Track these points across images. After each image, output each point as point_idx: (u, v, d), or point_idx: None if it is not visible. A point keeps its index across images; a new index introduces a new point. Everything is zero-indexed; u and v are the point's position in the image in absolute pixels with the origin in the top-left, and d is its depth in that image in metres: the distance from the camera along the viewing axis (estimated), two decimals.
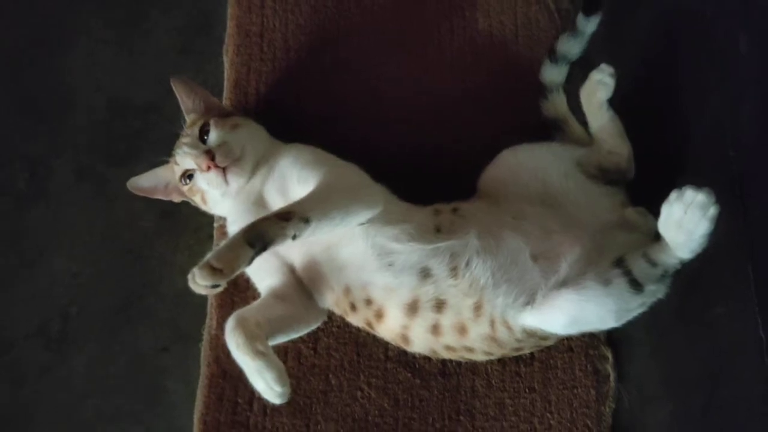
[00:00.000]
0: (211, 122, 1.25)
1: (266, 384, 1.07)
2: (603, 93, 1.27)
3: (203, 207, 1.30)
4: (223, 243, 1.06)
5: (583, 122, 1.36)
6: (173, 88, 1.32)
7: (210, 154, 1.20)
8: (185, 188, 1.26)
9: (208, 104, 1.32)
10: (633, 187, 1.31)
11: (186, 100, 1.32)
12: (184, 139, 1.25)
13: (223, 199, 1.25)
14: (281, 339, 1.21)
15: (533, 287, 1.13)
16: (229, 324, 1.11)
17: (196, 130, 1.25)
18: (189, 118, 1.30)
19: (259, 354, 1.07)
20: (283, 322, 1.19)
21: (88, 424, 1.32)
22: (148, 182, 1.32)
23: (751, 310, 1.35)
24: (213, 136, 1.23)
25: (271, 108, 1.39)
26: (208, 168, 1.20)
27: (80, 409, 1.33)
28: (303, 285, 1.24)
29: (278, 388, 1.07)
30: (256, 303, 1.21)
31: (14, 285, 1.39)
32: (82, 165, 1.45)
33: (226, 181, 1.21)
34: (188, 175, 1.25)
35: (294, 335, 1.24)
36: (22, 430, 1.33)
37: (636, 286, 1.10)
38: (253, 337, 1.08)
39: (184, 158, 1.23)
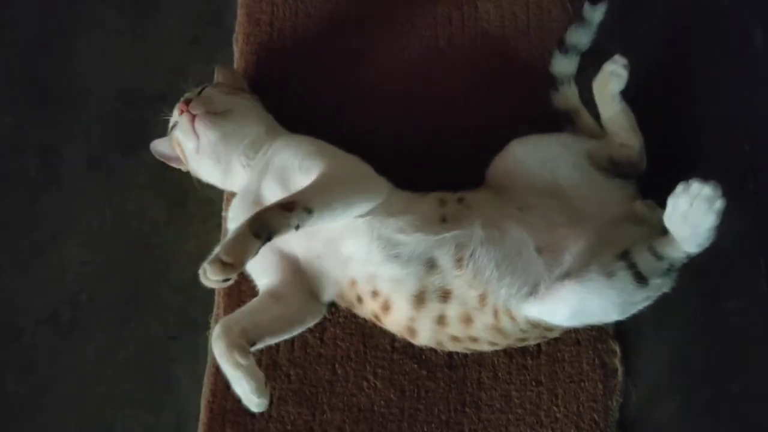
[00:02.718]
0: (213, 85, 1.29)
1: (244, 393, 1.10)
2: (616, 84, 1.25)
3: (189, 167, 1.31)
4: (228, 237, 1.06)
5: (596, 114, 1.34)
6: (215, 72, 1.38)
7: (188, 101, 1.22)
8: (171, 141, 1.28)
9: (240, 86, 1.36)
10: (646, 180, 1.29)
11: (222, 78, 1.37)
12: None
13: (198, 157, 1.25)
14: (274, 340, 1.22)
15: (537, 279, 1.12)
16: (215, 331, 1.13)
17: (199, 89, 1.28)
18: None
19: (238, 366, 1.09)
20: (274, 324, 1.20)
21: (96, 410, 1.33)
22: (165, 147, 1.33)
23: (763, 305, 1.34)
24: (205, 91, 1.26)
25: (279, 97, 1.39)
26: (181, 112, 1.21)
27: (89, 395, 1.34)
28: (303, 282, 1.23)
29: (255, 399, 1.09)
30: (248, 305, 1.22)
31: (25, 272, 1.40)
32: (93, 153, 1.46)
33: (194, 129, 1.21)
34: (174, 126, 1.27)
35: (287, 335, 1.24)
36: (32, 416, 1.34)
37: (640, 279, 1.08)
38: (234, 346, 1.10)
39: (175, 109, 1.25)
